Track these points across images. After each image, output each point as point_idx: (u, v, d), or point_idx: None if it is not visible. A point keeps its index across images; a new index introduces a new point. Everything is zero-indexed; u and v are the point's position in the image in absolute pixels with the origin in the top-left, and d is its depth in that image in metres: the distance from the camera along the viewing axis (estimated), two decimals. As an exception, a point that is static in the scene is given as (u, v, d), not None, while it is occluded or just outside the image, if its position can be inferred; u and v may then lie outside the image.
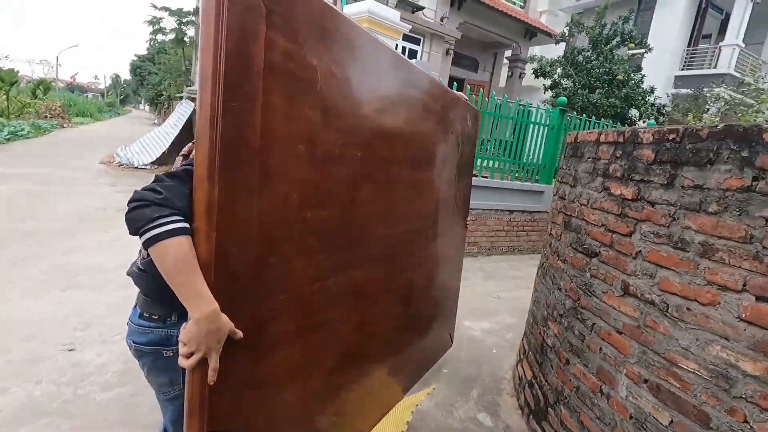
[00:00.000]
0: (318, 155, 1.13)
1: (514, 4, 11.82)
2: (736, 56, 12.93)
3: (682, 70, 14.04)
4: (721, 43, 13.26)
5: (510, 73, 12.16)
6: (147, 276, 1.03)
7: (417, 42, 9.46)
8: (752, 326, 1.20)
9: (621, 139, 1.71)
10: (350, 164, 1.27)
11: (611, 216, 1.71)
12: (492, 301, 4.10)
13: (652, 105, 10.00)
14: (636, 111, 10.05)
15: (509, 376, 2.70)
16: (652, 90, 10.32)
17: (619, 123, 9.40)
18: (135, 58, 42.31)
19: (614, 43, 10.16)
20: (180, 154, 1.13)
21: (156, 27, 17.34)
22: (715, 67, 13.27)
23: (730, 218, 1.26)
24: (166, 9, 15.61)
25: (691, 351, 1.35)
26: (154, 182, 0.91)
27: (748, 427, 1.20)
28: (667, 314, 1.43)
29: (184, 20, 15.48)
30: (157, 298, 1.06)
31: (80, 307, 2.90)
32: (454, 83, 5.02)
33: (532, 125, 5.90)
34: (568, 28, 11.01)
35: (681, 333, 1.38)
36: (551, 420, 1.98)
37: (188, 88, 15.77)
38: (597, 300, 1.75)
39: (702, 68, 13.74)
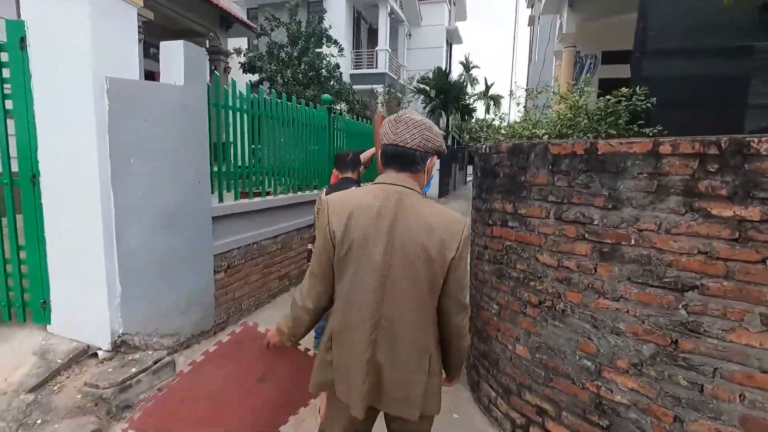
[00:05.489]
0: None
1: (201, -15, 10.32)
2: (387, 59, 16.22)
3: (353, 69, 16.44)
4: (377, 48, 16.27)
5: (213, 67, 10.71)
6: None
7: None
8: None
9: (711, 149, 1.44)
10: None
11: (720, 242, 1.45)
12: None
13: (358, 100, 11.17)
14: (345, 105, 10.96)
15: None
16: (350, 86, 11.51)
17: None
18: None
19: (313, 41, 10.57)
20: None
21: None
22: (376, 67, 16.23)
23: None
24: None
25: None
26: None
27: None
28: None
29: None
30: None
31: None
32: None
33: (303, 126, 5.06)
34: (267, 21, 10.65)
35: None
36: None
37: None
38: (717, 340, 1.48)
39: (366, 68, 16.54)
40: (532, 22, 16.16)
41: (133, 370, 2.58)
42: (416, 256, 1.15)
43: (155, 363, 2.71)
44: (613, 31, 6.92)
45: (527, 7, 16.11)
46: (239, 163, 3.93)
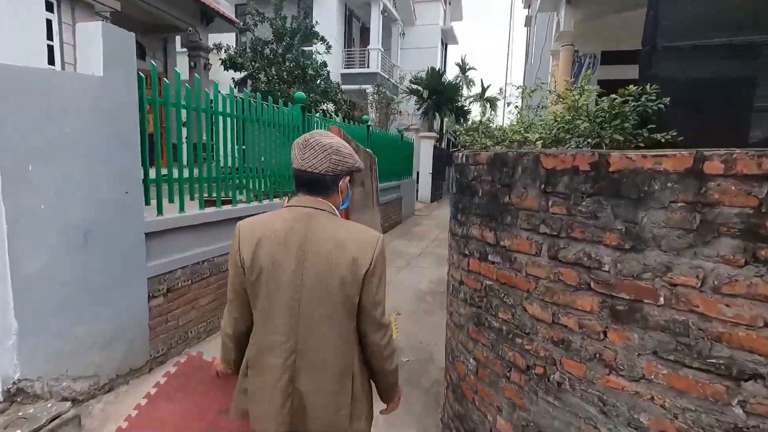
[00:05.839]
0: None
1: (180, -23, 9.77)
2: (380, 58, 15.71)
3: (345, 68, 15.92)
4: (368, 47, 15.75)
5: (193, 63, 10.15)
6: None
7: (50, 8, 6.15)
8: None
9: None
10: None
11: (802, 312, 0.94)
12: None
13: (345, 100, 10.63)
14: (332, 105, 10.42)
15: None
16: (339, 86, 10.97)
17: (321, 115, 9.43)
18: None
19: (298, 37, 10.06)
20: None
21: None
22: (367, 66, 15.72)
23: None
24: None
25: None
26: None
27: None
28: None
29: None
30: None
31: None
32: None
33: (271, 126, 4.49)
34: (250, 16, 10.13)
35: None
36: None
37: None
38: (793, 461, 0.97)
39: (358, 67, 16.02)
40: (529, 22, 15.71)
41: (18, 432, 2.04)
42: (328, 275, 1.14)
43: (52, 420, 2.17)
44: (614, 29, 6.46)
45: (524, 7, 15.66)
46: (190, 169, 3.39)
